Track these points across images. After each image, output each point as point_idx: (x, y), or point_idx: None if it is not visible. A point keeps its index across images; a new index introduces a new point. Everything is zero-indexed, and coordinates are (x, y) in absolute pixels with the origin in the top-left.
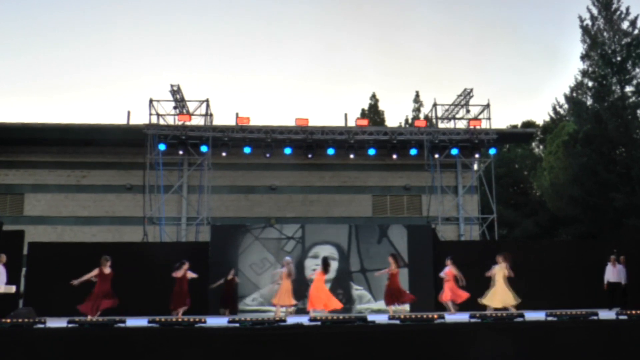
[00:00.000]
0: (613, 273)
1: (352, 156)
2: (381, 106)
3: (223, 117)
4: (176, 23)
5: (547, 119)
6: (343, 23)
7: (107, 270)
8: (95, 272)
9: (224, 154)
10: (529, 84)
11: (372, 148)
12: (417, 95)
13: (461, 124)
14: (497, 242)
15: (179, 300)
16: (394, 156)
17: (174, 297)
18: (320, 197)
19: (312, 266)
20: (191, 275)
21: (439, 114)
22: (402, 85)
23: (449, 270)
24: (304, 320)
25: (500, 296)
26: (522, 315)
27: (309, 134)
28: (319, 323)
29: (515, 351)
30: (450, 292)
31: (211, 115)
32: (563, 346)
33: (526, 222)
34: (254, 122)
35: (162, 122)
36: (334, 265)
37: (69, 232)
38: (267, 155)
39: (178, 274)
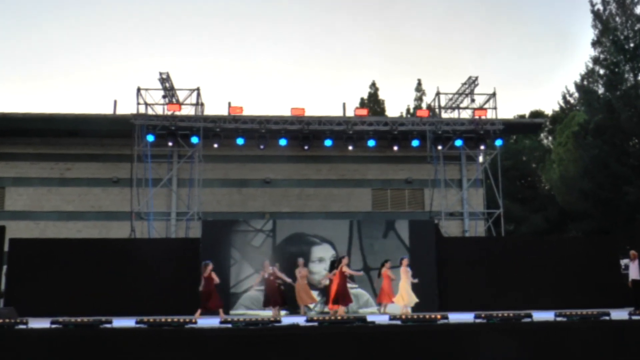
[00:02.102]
0: (635, 270)
1: (350, 148)
2: (381, 95)
3: (215, 107)
4: (165, 7)
5: (557, 108)
6: (341, 6)
7: (205, 274)
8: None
9: (215, 145)
10: (537, 71)
11: (372, 139)
12: (419, 84)
13: (465, 114)
14: (503, 238)
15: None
16: (395, 148)
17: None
18: (318, 191)
19: (321, 271)
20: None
21: (442, 104)
22: (403, 73)
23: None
24: (300, 320)
25: (402, 295)
26: (529, 316)
27: (306, 125)
28: (315, 324)
29: (522, 353)
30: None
31: (202, 104)
32: (573, 348)
33: (534, 217)
34: (248, 111)
35: (150, 111)
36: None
37: (52, 227)
38: (261, 146)
39: (303, 272)
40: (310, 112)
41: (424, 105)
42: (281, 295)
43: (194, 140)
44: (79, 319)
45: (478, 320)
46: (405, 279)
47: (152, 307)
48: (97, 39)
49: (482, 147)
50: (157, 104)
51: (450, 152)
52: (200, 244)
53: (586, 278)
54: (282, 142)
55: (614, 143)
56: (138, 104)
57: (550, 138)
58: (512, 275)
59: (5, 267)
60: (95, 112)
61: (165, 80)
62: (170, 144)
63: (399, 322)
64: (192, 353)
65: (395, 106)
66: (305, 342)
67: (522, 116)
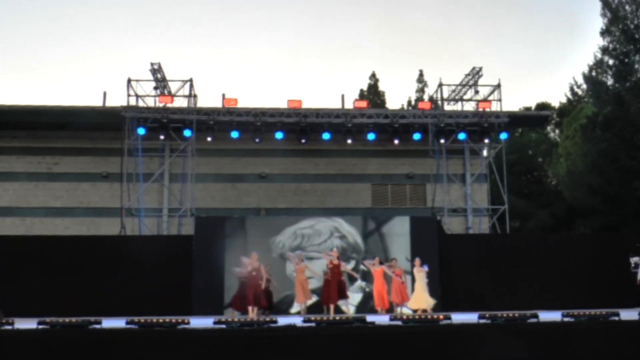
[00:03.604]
0: None
1: (349, 141)
2: (382, 86)
3: (208, 99)
4: None
5: (564, 100)
6: None
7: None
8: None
9: (209, 138)
10: (543, 62)
11: (372, 132)
12: (421, 75)
13: (469, 106)
14: (508, 235)
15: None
16: (396, 141)
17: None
18: (315, 186)
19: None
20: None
21: (445, 95)
22: (404, 64)
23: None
24: (297, 320)
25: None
26: (535, 316)
27: (303, 117)
28: (313, 324)
29: (528, 355)
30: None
31: (195, 96)
32: (581, 349)
33: (541, 213)
34: (242, 103)
35: (141, 103)
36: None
37: (39, 224)
38: (257, 140)
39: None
40: (307, 104)
41: (425, 97)
42: (260, 296)
43: (187, 133)
44: (67, 319)
45: (482, 321)
46: (420, 280)
47: (143, 306)
48: (85, 28)
49: (486, 141)
50: (148, 95)
51: (453, 145)
52: (193, 241)
53: (594, 277)
54: (279, 135)
55: (623, 136)
56: (128, 95)
57: (557, 131)
58: (518, 273)
59: None
60: (84, 104)
61: (156, 71)
62: (162, 137)
63: (399, 323)
64: (185, 354)
65: (396, 98)
66: (303, 344)
67: (528, 108)
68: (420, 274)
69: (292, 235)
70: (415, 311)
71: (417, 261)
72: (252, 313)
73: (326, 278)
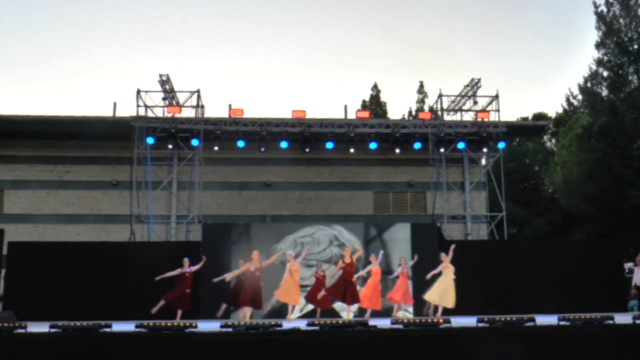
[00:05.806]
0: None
1: (352, 150)
2: (383, 97)
3: (215, 109)
4: (165, 9)
5: (560, 110)
6: (343, 7)
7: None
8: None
9: (216, 148)
10: (540, 73)
11: (374, 142)
12: (422, 86)
13: (468, 116)
14: (506, 241)
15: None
16: (397, 150)
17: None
18: (319, 193)
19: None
20: None
21: (445, 106)
22: (405, 75)
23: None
24: (301, 324)
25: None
26: (532, 320)
27: (307, 127)
28: (317, 328)
29: (525, 357)
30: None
31: (202, 106)
32: (577, 352)
33: (537, 220)
34: (248, 114)
35: (150, 114)
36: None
37: (51, 231)
38: (262, 149)
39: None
40: (311, 114)
41: (426, 108)
42: (259, 296)
43: (194, 142)
44: (78, 323)
45: (481, 325)
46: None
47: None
48: (96, 41)
49: (484, 150)
50: (157, 106)
51: (453, 154)
52: (201, 247)
53: (589, 281)
54: (283, 144)
55: (617, 146)
56: (138, 106)
57: (553, 140)
58: (515, 279)
59: (4, 271)
60: (94, 114)
61: (165, 82)
62: (170, 146)
63: (401, 326)
64: (193, 357)
65: (397, 108)
66: (307, 347)
67: (525, 118)
68: (448, 269)
69: (292, 244)
70: (435, 307)
71: (443, 256)
72: (248, 315)
73: (340, 277)
